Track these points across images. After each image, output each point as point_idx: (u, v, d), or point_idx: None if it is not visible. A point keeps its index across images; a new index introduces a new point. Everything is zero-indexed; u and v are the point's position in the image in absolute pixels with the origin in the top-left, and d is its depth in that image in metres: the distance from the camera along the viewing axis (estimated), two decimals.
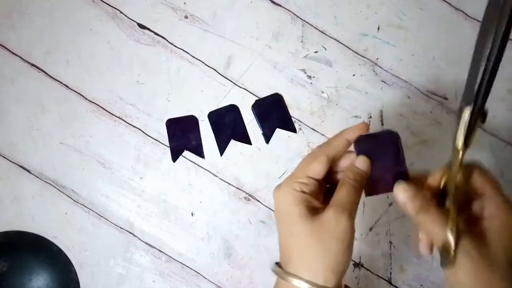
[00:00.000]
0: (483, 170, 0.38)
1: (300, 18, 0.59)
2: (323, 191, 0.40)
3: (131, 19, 0.59)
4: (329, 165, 0.38)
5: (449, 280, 0.36)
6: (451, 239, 0.34)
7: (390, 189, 0.38)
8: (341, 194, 0.37)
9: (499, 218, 0.36)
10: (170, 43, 0.58)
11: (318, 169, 0.38)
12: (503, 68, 0.61)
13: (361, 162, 0.38)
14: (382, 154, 0.39)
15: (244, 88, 0.58)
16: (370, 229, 0.56)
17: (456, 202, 0.36)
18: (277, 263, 0.38)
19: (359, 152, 0.39)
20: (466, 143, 0.35)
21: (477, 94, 0.33)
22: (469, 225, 0.36)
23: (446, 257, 0.35)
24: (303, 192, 0.37)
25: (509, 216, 0.36)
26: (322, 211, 0.36)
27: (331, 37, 0.58)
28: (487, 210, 0.37)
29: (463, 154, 0.35)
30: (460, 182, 0.37)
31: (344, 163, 0.40)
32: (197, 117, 0.58)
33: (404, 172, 0.38)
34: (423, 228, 0.38)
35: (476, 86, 0.33)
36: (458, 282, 0.35)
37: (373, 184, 0.39)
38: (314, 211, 0.36)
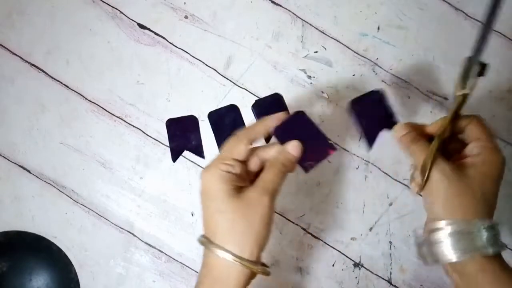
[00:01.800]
0: (480, 120, 0.42)
1: (300, 18, 0.59)
2: (248, 174, 0.43)
3: (131, 19, 0.59)
4: (249, 147, 0.42)
5: (425, 204, 0.42)
6: (426, 161, 0.39)
7: (321, 157, 0.44)
8: (267, 176, 0.41)
9: (482, 155, 0.40)
10: (170, 43, 0.58)
11: (240, 150, 0.41)
12: (504, 68, 0.61)
13: (294, 147, 0.42)
14: (301, 132, 0.44)
15: (244, 88, 0.58)
16: (370, 229, 0.56)
17: (442, 133, 0.41)
18: (203, 236, 0.41)
19: (282, 139, 0.43)
20: (462, 86, 0.39)
21: (476, 46, 0.37)
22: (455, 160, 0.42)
23: (422, 178, 0.40)
24: (229, 172, 0.40)
25: (492, 156, 0.40)
26: (246, 190, 0.40)
27: (331, 37, 0.58)
28: (475, 150, 0.41)
29: (462, 99, 0.40)
30: (453, 124, 0.42)
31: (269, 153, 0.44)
32: (197, 117, 0.58)
33: (325, 137, 0.44)
34: (413, 159, 0.42)
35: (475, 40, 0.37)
36: (432, 203, 0.40)
37: (305, 159, 0.43)
38: (239, 190, 0.40)
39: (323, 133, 0.44)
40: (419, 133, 0.43)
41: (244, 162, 0.42)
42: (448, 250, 0.38)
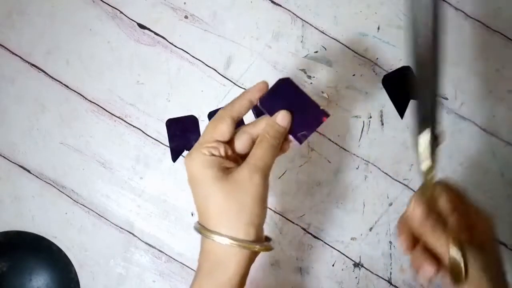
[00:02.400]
0: (447, 188, 0.39)
1: (300, 18, 0.59)
2: (234, 154, 0.41)
3: (131, 19, 0.59)
4: (234, 125, 0.39)
5: None
6: (458, 257, 0.34)
7: (314, 126, 0.41)
8: (257, 152, 0.38)
9: (478, 224, 0.37)
10: (170, 43, 0.58)
11: (223, 131, 0.39)
12: (504, 68, 0.61)
13: (283, 118, 0.39)
14: (290, 101, 0.40)
15: (244, 88, 0.58)
16: (370, 229, 0.56)
17: (457, 222, 0.37)
18: (198, 223, 0.39)
19: (270, 111, 0.40)
20: (432, 165, 0.36)
21: (430, 121, 0.35)
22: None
23: (458, 274, 0.35)
24: (213, 155, 0.38)
25: (486, 219, 0.38)
26: (235, 170, 0.37)
27: (331, 37, 0.58)
28: (470, 217, 0.38)
29: (432, 177, 0.36)
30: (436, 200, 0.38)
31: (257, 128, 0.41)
32: (197, 117, 0.58)
33: (316, 104, 0.41)
34: (430, 245, 0.37)
35: (420, 116, 0.35)
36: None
37: (297, 129, 0.40)
38: (227, 171, 0.38)
39: (313, 100, 0.41)
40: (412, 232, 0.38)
41: (230, 142, 0.40)
42: None
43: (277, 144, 0.39)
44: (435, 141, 0.35)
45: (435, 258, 0.36)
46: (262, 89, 0.41)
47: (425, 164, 0.36)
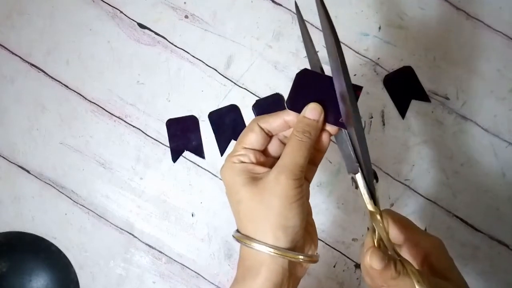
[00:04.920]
0: (395, 217, 0.39)
1: None
2: (269, 159, 0.40)
3: (131, 19, 0.59)
4: (263, 135, 0.38)
5: None
6: None
7: (339, 117, 0.37)
8: (285, 152, 0.37)
9: (435, 250, 0.37)
10: (170, 43, 0.58)
11: (251, 139, 0.38)
12: (505, 68, 0.61)
13: (311, 110, 0.37)
14: (315, 91, 0.38)
15: (244, 88, 0.58)
16: None
17: (413, 257, 0.38)
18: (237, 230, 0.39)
19: (299, 109, 0.37)
20: (377, 205, 0.36)
21: (361, 164, 0.36)
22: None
23: None
24: (242, 162, 0.37)
25: (443, 248, 0.38)
26: (264, 175, 0.37)
27: None
28: (421, 246, 0.37)
29: (381, 214, 0.36)
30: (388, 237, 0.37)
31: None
32: (197, 117, 0.58)
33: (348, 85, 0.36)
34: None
35: (355, 157, 0.36)
36: None
37: (336, 117, 0.37)
38: (258, 177, 0.37)
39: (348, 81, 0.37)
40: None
41: (264, 152, 0.39)
42: None
43: (306, 140, 0.37)
44: (371, 179, 0.36)
45: None
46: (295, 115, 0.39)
47: (370, 205, 0.36)
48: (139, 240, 0.57)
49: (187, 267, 0.56)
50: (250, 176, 0.37)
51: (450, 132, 0.57)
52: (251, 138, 0.38)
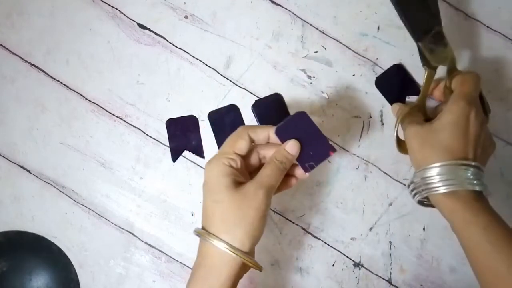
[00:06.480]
0: (465, 74, 0.48)
1: (300, 18, 0.59)
2: (248, 169, 0.45)
3: (131, 19, 0.59)
4: (250, 144, 0.44)
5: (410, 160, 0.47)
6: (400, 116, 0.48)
7: (321, 158, 0.45)
8: (265, 172, 0.42)
9: (447, 106, 0.45)
10: (170, 43, 0.58)
11: (242, 146, 0.43)
12: (503, 68, 0.61)
13: (292, 146, 0.44)
14: (302, 132, 0.45)
15: (244, 88, 0.58)
16: (370, 229, 0.56)
17: (423, 94, 0.50)
18: (201, 228, 0.43)
19: (282, 138, 0.44)
20: (431, 64, 0.48)
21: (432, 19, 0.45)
22: None
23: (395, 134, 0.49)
24: (231, 166, 0.42)
25: (453, 105, 0.45)
26: (244, 184, 0.42)
27: (331, 37, 0.58)
28: (446, 104, 0.46)
29: (430, 74, 0.49)
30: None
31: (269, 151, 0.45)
32: (197, 117, 0.58)
33: (325, 138, 0.45)
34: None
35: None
36: (410, 157, 0.47)
37: (305, 159, 0.45)
38: (238, 184, 0.42)
39: (323, 135, 0.45)
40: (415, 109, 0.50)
41: (244, 158, 0.44)
42: (437, 184, 0.42)
43: (283, 169, 0.43)
44: (440, 41, 0.45)
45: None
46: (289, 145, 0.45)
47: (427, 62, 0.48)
48: (139, 239, 0.57)
49: (187, 266, 0.57)
50: (234, 181, 0.41)
51: None
52: (241, 145, 0.43)
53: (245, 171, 0.45)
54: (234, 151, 0.43)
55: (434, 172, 0.42)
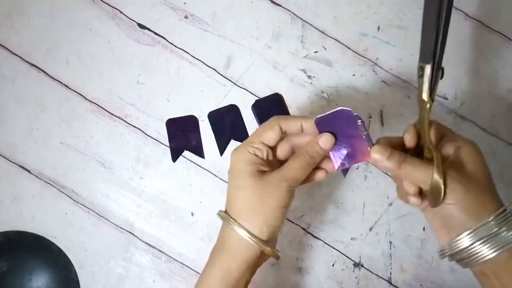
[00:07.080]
0: (437, 122, 0.42)
1: (300, 18, 0.59)
2: (280, 158, 0.44)
3: (131, 19, 0.59)
4: (280, 135, 0.42)
5: (440, 215, 0.39)
6: (437, 176, 0.37)
7: (356, 159, 0.42)
8: (292, 164, 0.42)
9: (463, 149, 0.39)
10: (170, 43, 0.58)
11: (271, 137, 0.42)
12: (504, 68, 0.61)
13: (325, 140, 0.42)
14: (344, 129, 0.42)
15: (244, 88, 0.58)
16: (370, 229, 0.56)
17: (435, 146, 0.40)
18: (224, 211, 0.43)
19: (320, 130, 0.42)
20: (431, 96, 0.38)
21: (435, 53, 0.37)
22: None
23: (437, 193, 0.37)
24: (256, 155, 0.42)
25: (469, 145, 0.40)
26: (269, 174, 0.41)
27: (331, 37, 0.58)
28: (450, 148, 0.40)
29: (430, 106, 0.38)
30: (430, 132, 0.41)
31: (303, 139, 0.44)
32: (197, 117, 0.58)
33: (365, 142, 0.41)
34: (408, 178, 0.40)
35: (432, 46, 0.37)
36: (449, 214, 0.38)
37: (340, 156, 0.42)
38: (263, 173, 0.41)
39: (366, 139, 0.41)
40: (400, 149, 0.41)
41: (273, 148, 0.43)
42: (483, 251, 0.37)
43: (312, 163, 0.42)
44: (438, 73, 0.38)
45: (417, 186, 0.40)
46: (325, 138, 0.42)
47: (426, 95, 0.38)
48: (139, 239, 0.57)
49: (187, 266, 0.57)
50: (258, 169, 0.41)
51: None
52: (269, 136, 0.42)
53: (275, 161, 0.44)
54: (261, 141, 0.42)
55: (485, 232, 0.37)
